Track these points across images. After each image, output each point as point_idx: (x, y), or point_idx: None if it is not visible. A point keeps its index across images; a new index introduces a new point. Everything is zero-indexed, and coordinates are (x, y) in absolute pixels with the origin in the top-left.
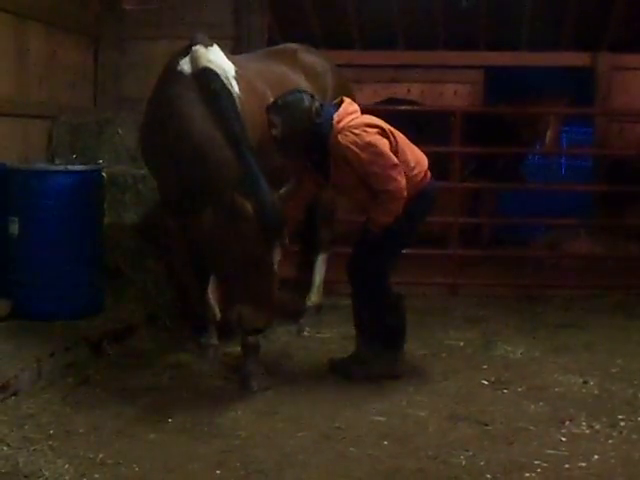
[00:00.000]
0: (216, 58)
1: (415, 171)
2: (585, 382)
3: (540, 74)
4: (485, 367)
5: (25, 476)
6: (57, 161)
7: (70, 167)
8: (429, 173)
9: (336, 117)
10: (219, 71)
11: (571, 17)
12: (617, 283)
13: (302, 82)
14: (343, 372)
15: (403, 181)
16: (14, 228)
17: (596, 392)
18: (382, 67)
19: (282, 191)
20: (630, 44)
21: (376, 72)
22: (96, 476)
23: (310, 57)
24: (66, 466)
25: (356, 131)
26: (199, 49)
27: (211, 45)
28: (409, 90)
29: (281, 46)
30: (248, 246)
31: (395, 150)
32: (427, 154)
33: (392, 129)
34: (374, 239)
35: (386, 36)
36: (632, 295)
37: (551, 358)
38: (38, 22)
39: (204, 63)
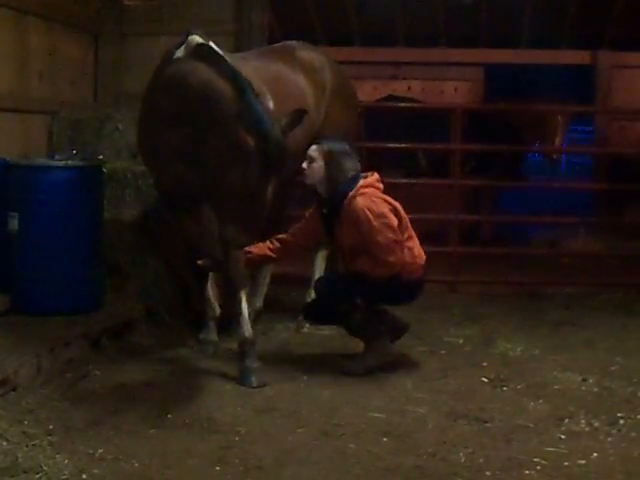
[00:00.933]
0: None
1: (415, 260)
2: (584, 380)
3: (540, 72)
4: (485, 364)
5: (24, 471)
6: (57, 157)
7: (70, 163)
8: (421, 270)
9: (362, 182)
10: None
11: (572, 15)
12: (617, 281)
13: (300, 80)
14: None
15: (403, 258)
16: (14, 223)
17: (595, 390)
18: (382, 64)
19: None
20: (630, 42)
21: (376, 69)
22: (95, 471)
23: (308, 54)
24: (65, 461)
25: (375, 199)
26: (194, 37)
27: (207, 41)
28: (409, 87)
29: (280, 44)
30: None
31: (401, 233)
32: (427, 151)
33: (407, 218)
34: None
35: (386, 33)
36: (632, 293)
37: (551, 356)
38: (39, 18)
39: (199, 42)
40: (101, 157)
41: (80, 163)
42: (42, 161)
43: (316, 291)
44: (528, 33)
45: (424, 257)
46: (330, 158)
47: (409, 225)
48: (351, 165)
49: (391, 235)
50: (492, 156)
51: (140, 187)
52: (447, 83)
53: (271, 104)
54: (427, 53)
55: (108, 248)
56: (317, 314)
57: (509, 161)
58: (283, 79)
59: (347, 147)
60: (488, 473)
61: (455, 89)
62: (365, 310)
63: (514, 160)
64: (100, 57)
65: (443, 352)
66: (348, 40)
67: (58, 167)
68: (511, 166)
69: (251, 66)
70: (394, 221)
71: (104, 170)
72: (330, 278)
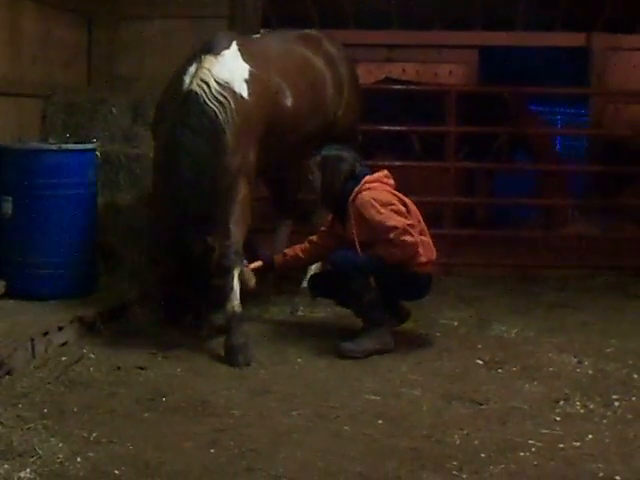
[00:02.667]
0: (221, 70)
1: (428, 254)
2: (579, 362)
3: (536, 54)
4: (479, 347)
5: (19, 455)
6: (51, 140)
7: (64, 146)
8: (431, 266)
9: (368, 177)
10: (207, 94)
11: None
12: (612, 263)
13: (324, 69)
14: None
15: (417, 240)
16: (7, 207)
17: (590, 372)
18: (377, 46)
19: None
20: (625, 24)
21: (371, 51)
22: (90, 455)
23: (332, 47)
24: (60, 445)
25: (381, 191)
26: (206, 60)
27: (228, 48)
28: (404, 70)
29: (305, 31)
30: None
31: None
32: (421, 133)
33: (418, 215)
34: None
35: (381, 15)
36: (627, 275)
37: (546, 338)
38: (32, 0)
39: (197, 82)
40: (95, 140)
41: (74, 147)
42: (36, 145)
43: (332, 263)
44: (523, 15)
45: (433, 253)
46: (323, 166)
47: (422, 221)
48: (346, 167)
49: (401, 219)
50: (486, 141)
51: (134, 170)
52: (442, 66)
53: (289, 101)
54: (422, 36)
55: (102, 232)
56: (323, 286)
57: (504, 145)
58: (307, 67)
59: (343, 152)
60: (483, 455)
61: (450, 72)
62: (375, 293)
63: (509, 144)
64: (94, 40)
65: (438, 334)
66: (342, 22)
67: (52, 151)
68: (506, 150)
69: (274, 52)
70: (402, 208)
71: (98, 154)
72: (347, 253)
